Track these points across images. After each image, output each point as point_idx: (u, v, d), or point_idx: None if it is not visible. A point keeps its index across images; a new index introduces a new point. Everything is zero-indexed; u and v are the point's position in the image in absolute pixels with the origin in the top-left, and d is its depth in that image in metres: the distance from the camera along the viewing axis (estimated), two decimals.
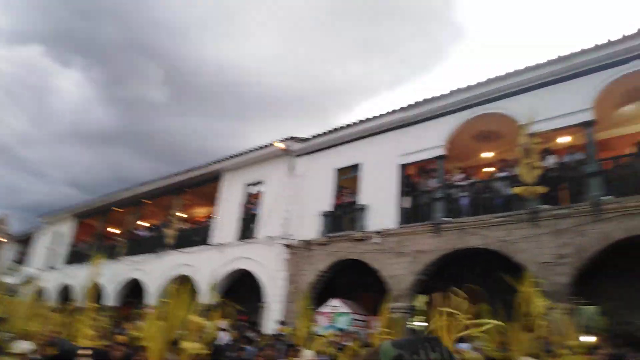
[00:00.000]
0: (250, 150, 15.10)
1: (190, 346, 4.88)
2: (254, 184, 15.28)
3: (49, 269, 22.50)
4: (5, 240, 28.06)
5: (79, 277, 19.88)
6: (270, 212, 13.92)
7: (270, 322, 12.05)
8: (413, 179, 11.77)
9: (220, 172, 16.30)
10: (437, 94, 10.89)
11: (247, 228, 14.69)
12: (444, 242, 9.85)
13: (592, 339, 6.47)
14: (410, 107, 11.42)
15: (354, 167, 12.47)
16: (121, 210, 20.70)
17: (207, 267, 14.86)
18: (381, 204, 11.31)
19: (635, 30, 8.32)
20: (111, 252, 19.09)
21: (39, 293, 17.70)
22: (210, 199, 17.25)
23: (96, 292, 16.73)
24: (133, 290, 18.15)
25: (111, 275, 18.14)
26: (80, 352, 4.87)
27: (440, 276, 9.91)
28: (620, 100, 9.44)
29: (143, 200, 19.49)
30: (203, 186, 17.26)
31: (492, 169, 11.19)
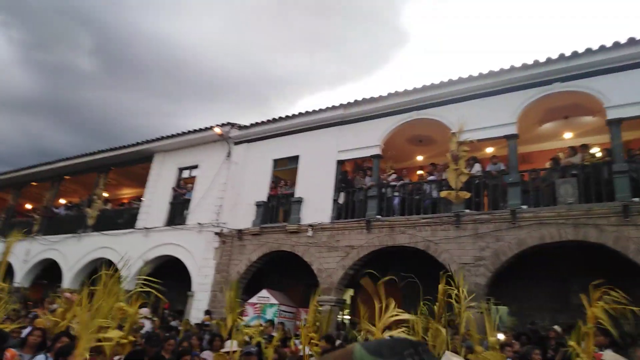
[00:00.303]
0: (186, 132, 14.57)
1: (116, 334, 4.72)
2: (188, 168, 14.80)
3: None
4: None
5: None
6: (203, 198, 13.57)
7: (197, 311, 11.84)
8: (349, 175, 12.03)
9: (152, 153, 15.59)
10: (376, 95, 11.17)
11: (178, 213, 14.24)
12: (375, 239, 10.20)
13: (502, 336, 7.05)
14: (350, 105, 11.62)
15: (292, 159, 12.49)
16: (38, 184, 19.18)
17: (131, 251, 14.17)
18: (317, 198, 11.45)
19: (557, 56, 9.07)
20: (24, 229, 17.63)
21: None
22: (139, 180, 16.47)
23: (3, 271, 15.43)
24: (46, 272, 16.98)
25: (23, 254, 16.82)
26: None
27: (369, 271, 10.27)
28: (542, 117, 10.27)
29: (64, 176, 18.18)
30: (132, 166, 16.44)
31: (423, 172, 11.72)
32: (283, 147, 12.77)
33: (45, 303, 12.12)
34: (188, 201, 14.02)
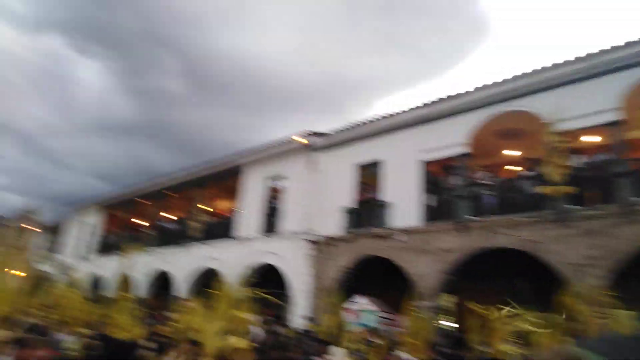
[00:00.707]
0: (270, 145, 15.18)
1: (237, 341, 4.91)
2: (275, 178, 15.42)
3: (80, 259, 23.30)
4: (38, 230, 29.05)
5: (108, 267, 20.60)
6: (292, 206, 14.09)
7: (297, 317, 12.38)
8: (436, 176, 11.73)
9: (240, 166, 16.47)
10: (460, 91, 10.72)
11: (271, 222, 14.93)
12: (470, 241, 9.88)
13: None
14: (432, 103, 11.28)
15: (375, 164, 12.46)
16: (146, 202, 21.19)
17: (232, 260, 15.21)
18: (404, 201, 11.34)
19: None
20: (139, 243, 19.67)
21: (74, 283, 18.40)
22: (232, 192, 17.50)
23: (128, 283, 17.35)
24: (161, 282, 18.76)
25: (140, 266, 18.77)
26: (143, 344, 4.98)
27: (467, 275, 10.01)
28: None
29: (167, 192, 19.89)
30: (224, 179, 17.48)
31: (517, 167, 11.06)
32: (365, 152, 12.78)
33: (164, 312, 13.46)
34: (279, 210, 14.64)
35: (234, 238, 15.56)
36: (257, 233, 14.93)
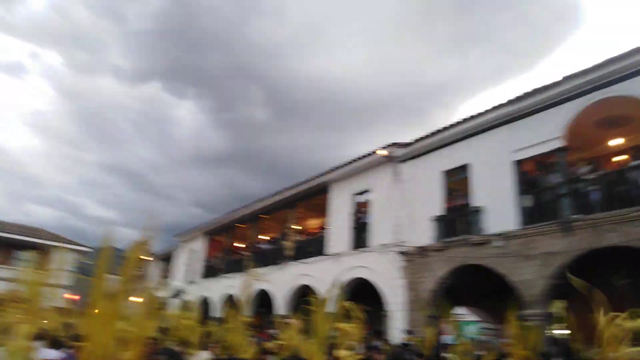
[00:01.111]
0: (353, 160, 15.36)
1: (345, 354, 4.90)
2: (361, 193, 15.52)
3: (189, 283, 25.22)
4: (151, 259, 32.03)
5: (213, 289, 22.05)
6: (380, 219, 14.05)
7: (394, 330, 12.18)
8: (531, 175, 11.01)
9: (327, 184, 16.84)
10: (550, 82, 10.04)
11: (360, 237, 14.99)
12: (577, 242, 9.07)
13: None
14: (520, 98, 10.67)
15: (463, 168, 12.03)
16: (243, 225, 22.46)
17: (325, 276, 15.48)
18: (498, 205, 10.77)
19: None
20: (239, 265, 20.86)
21: (186, 305, 19.91)
22: (321, 211, 17.92)
23: (235, 304, 18.40)
24: (260, 301, 19.60)
25: (240, 286, 19.82)
26: None
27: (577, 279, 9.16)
28: None
29: (261, 215, 20.93)
30: (313, 198, 17.97)
31: (624, 157, 10.01)
32: (451, 157, 12.41)
33: (266, 329, 14.04)
34: (367, 224, 14.67)
35: (325, 254, 15.85)
36: (347, 248, 15.07)
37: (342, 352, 4.91)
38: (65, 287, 24.11)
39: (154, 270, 31.41)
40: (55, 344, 6.04)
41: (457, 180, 12.34)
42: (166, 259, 30.57)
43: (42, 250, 24.43)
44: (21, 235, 25.30)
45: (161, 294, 23.38)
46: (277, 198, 19.11)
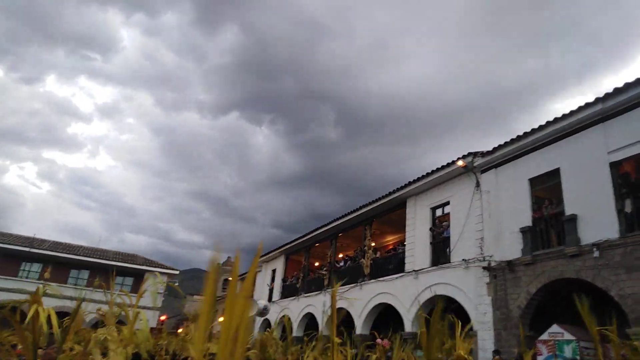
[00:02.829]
0: (430, 173, 14.89)
1: None
2: (440, 206, 14.95)
3: (270, 302, 25.73)
4: (236, 280, 33.05)
5: (292, 309, 22.26)
6: (462, 233, 13.37)
7: (483, 351, 11.34)
8: (632, 177, 9.89)
9: (404, 199, 16.46)
10: None
11: (441, 252, 14.36)
12: None
13: None
14: (615, 93, 9.73)
15: (552, 174, 11.14)
16: (320, 244, 22.62)
17: (405, 294, 14.97)
18: (594, 212, 9.77)
19: None
20: (317, 284, 20.93)
21: (272, 324, 20.26)
22: (398, 226, 17.55)
23: (311, 323, 18.34)
24: (339, 319, 19.37)
25: (321, 305, 19.81)
26: None
27: None
28: None
29: (338, 234, 20.95)
30: (389, 214, 17.66)
31: None
32: (537, 163, 11.56)
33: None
34: (448, 239, 14.03)
35: (405, 272, 15.36)
36: (427, 264, 14.49)
37: None
38: (158, 309, 25.83)
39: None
40: None
41: (545, 188, 11.45)
42: (243, 278, 31.53)
43: (137, 274, 26.59)
44: (119, 261, 27.65)
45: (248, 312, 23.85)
46: (353, 216, 19.02)
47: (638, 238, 8.79)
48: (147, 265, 28.21)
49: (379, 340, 7.56)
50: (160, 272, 27.38)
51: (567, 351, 9.20)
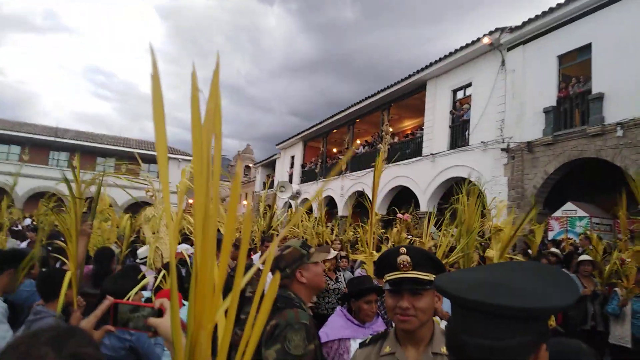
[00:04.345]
0: (453, 52, 14.17)
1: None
2: (461, 88, 14.51)
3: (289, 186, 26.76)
4: (252, 165, 34.09)
5: (311, 192, 23.20)
6: (483, 115, 13.15)
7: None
8: None
9: (424, 82, 15.96)
10: None
11: (459, 135, 14.32)
12: None
13: None
14: None
15: (583, 49, 10.49)
16: (338, 131, 22.71)
17: (422, 177, 15.33)
18: (623, 90, 9.37)
19: None
20: (334, 169, 21.46)
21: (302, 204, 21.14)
22: (417, 111, 17.32)
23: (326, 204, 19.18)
24: (357, 201, 20.25)
25: (339, 189, 20.59)
26: None
27: None
28: None
29: (355, 119, 20.87)
30: (408, 98, 17.31)
31: None
32: (568, 39, 10.83)
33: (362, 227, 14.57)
34: (468, 122, 13.86)
35: (423, 155, 15.52)
36: (446, 148, 14.56)
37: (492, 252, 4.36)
38: (186, 194, 27.11)
39: (258, 176, 33.75)
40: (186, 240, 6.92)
41: (575, 65, 10.89)
42: (268, 165, 32.55)
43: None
44: (143, 149, 28.40)
45: (282, 195, 24.24)
46: (370, 101, 18.71)
47: None
48: (171, 153, 29.06)
49: (400, 215, 7.90)
50: (185, 160, 28.34)
51: (579, 226, 9.59)
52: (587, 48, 10.34)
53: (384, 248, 5.99)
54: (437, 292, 1.10)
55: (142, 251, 4.97)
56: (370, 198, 4.65)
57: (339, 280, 5.57)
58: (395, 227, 6.46)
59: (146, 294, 3.09)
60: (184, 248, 5.04)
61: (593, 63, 10.13)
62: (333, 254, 5.22)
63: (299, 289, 2.01)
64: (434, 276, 1.49)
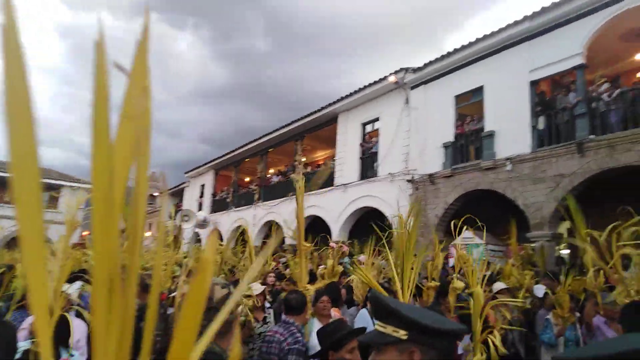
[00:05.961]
0: (362, 88, 14.88)
1: (459, 285, 4.37)
2: (370, 122, 15.20)
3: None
4: (160, 194, 32.32)
5: (223, 222, 22.44)
6: (389, 148, 13.84)
7: None
8: (547, 96, 10.57)
9: (336, 114, 16.47)
10: None
11: (369, 167, 14.88)
12: (590, 163, 8.84)
13: None
14: (538, 13, 10.00)
15: (476, 91, 11.59)
16: (250, 159, 22.43)
17: (335, 207, 15.59)
18: (511, 128, 10.45)
19: None
20: (248, 198, 21.09)
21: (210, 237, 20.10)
22: (329, 142, 17.72)
23: (244, 234, 18.71)
24: (270, 231, 19.96)
25: (251, 218, 20.15)
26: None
27: (587, 201, 9.04)
28: None
29: (268, 149, 20.80)
30: (320, 130, 17.70)
31: None
32: (464, 81, 11.92)
33: (276, 257, 14.33)
34: (376, 154, 14.48)
35: (335, 186, 15.83)
36: (356, 178, 15.01)
37: (457, 283, 4.26)
38: (81, 226, 24.72)
39: (166, 205, 31.94)
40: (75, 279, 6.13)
41: (469, 105, 11.96)
42: (176, 194, 31.04)
43: (53, 189, 24.87)
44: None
45: (185, 225, 23.07)
46: (283, 131, 18.84)
47: (545, 153, 9.63)
48: (63, 180, 26.48)
49: (332, 244, 7.91)
50: (82, 188, 25.95)
51: (476, 253, 10.30)
52: (479, 90, 11.43)
53: (321, 281, 5.70)
54: None
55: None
56: (285, 227, 4.51)
57: (268, 321, 4.73)
58: (329, 259, 6.38)
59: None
60: (76, 288, 4.43)
61: (485, 103, 11.21)
62: (259, 289, 4.67)
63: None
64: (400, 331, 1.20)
